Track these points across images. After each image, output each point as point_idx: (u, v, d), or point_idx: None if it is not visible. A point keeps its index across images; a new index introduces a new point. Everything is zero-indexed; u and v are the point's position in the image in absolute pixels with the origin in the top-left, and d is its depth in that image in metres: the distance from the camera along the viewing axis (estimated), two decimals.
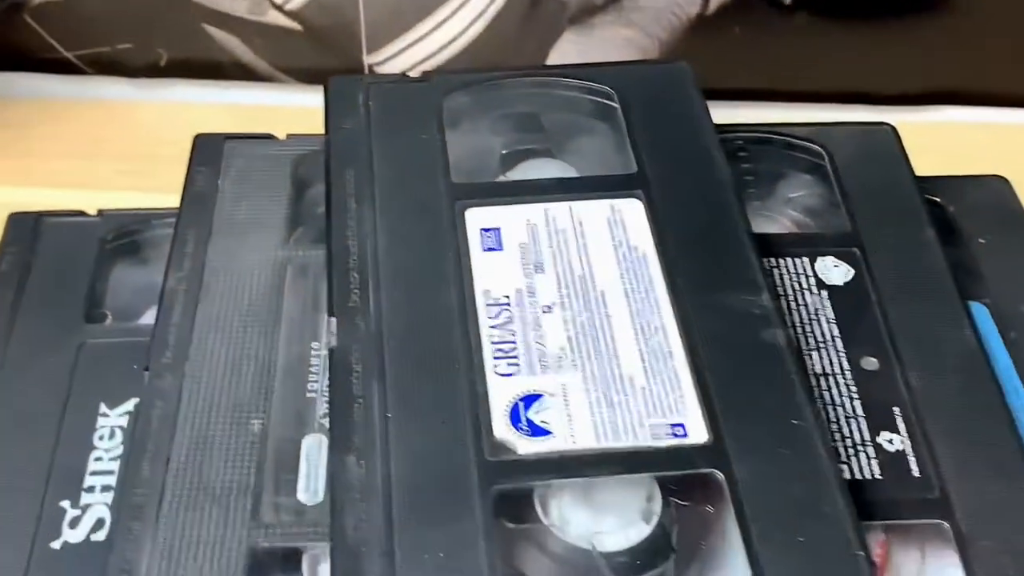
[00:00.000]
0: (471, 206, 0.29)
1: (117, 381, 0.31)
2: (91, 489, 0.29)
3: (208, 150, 0.34)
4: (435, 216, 0.28)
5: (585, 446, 0.24)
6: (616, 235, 0.28)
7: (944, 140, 0.40)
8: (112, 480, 0.29)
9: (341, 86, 0.32)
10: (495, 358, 0.26)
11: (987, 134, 0.42)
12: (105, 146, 0.40)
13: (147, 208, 0.35)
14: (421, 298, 0.27)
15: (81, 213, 0.35)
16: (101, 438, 0.30)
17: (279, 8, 0.41)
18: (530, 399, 0.25)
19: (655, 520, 0.24)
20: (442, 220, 0.28)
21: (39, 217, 0.35)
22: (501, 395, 0.25)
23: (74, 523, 0.28)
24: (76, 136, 0.41)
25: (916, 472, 0.27)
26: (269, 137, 0.34)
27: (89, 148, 0.40)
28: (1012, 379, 0.31)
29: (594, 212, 0.29)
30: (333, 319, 0.26)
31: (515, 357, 0.26)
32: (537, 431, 0.24)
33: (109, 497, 0.28)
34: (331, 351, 0.26)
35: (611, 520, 0.24)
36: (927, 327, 0.29)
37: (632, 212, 0.29)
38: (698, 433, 0.24)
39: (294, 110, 0.42)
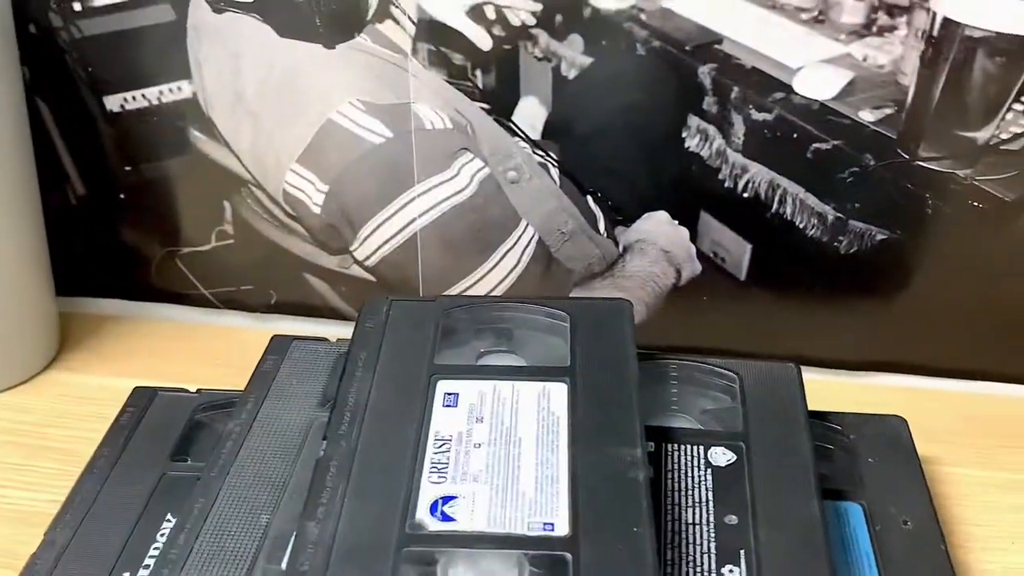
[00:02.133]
0: (442, 379, 0.40)
1: (181, 501, 0.42)
2: (147, 567, 0.39)
3: (280, 345, 0.46)
4: (415, 383, 0.39)
5: (477, 529, 0.33)
6: (541, 404, 0.38)
7: (869, 397, 0.49)
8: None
9: (373, 301, 0.44)
10: (430, 472, 0.36)
11: (908, 395, 0.51)
12: (221, 358, 0.53)
13: (231, 390, 0.47)
14: (390, 432, 0.37)
15: (185, 390, 0.48)
16: (162, 535, 0.40)
17: (360, 264, 0.55)
18: (447, 499, 0.35)
19: None
20: (419, 386, 0.39)
21: (155, 391, 0.48)
22: (428, 495, 0.35)
23: None
24: (203, 351, 0.54)
25: None
26: (323, 340, 0.46)
27: (209, 358, 0.53)
28: (868, 554, 0.39)
29: (530, 389, 0.39)
30: (325, 441, 0.37)
31: (445, 472, 0.36)
32: (446, 518, 0.34)
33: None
34: (317, 460, 0.36)
35: None
36: (783, 500, 0.38)
37: (557, 391, 0.39)
38: (562, 529, 0.33)
39: None
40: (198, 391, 0.48)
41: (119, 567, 0.39)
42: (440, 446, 0.37)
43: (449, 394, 0.39)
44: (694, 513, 0.38)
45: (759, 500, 0.38)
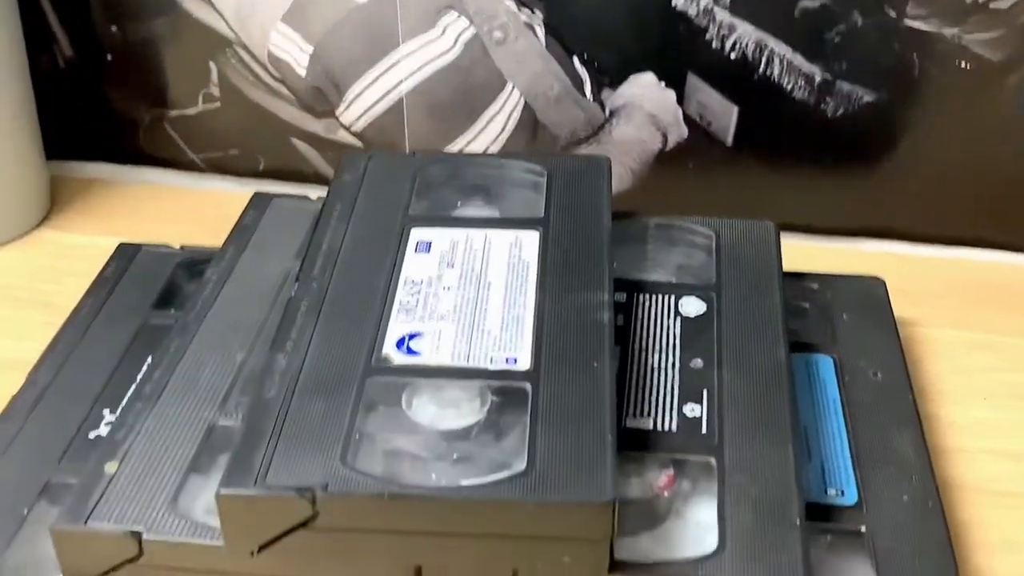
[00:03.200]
0: (415, 227, 0.40)
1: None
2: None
3: (260, 201, 0.46)
4: (389, 231, 0.40)
5: (441, 363, 0.34)
6: (513, 252, 0.39)
7: (853, 262, 0.49)
8: None
9: (352, 155, 0.44)
10: (399, 312, 0.36)
11: (891, 260, 0.51)
12: (207, 220, 0.53)
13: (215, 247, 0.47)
14: (361, 275, 0.38)
15: (168, 247, 0.48)
16: (142, 373, 0.41)
17: (347, 128, 0.54)
18: (413, 335, 0.35)
19: (481, 416, 0.33)
20: (393, 234, 0.40)
21: (139, 247, 0.48)
22: (395, 331, 0.35)
23: (108, 423, 0.39)
24: (189, 213, 0.55)
25: (704, 430, 0.35)
26: (304, 197, 0.47)
27: (195, 220, 0.54)
28: (836, 403, 0.39)
29: (503, 238, 0.39)
30: (296, 283, 0.37)
31: (413, 312, 0.36)
32: (411, 352, 0.35)
33: None
34: (288, 300, 0.37)
35: (451, 412, 0.33)
36: (749, 346, 0.38)
37: (529, 240, 0.39)
38: (524, 363, 0.34)
39: None
40: (181, 248, 0.48)
41: (99, 405, 0.40)
42: (410, 288, 0.37)
43: (422, 242, 0.39)
44: (661, 358, 0.38)
45: (725, 346, 0.38)
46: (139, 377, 0.41)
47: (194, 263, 0.47)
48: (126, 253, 0.48)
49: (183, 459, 0.34)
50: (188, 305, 0.41)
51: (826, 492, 0.36)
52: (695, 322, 0.39)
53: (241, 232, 0.45)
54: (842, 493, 0.36)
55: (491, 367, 0.34)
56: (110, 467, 0.34)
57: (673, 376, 0.37)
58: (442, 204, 0.43)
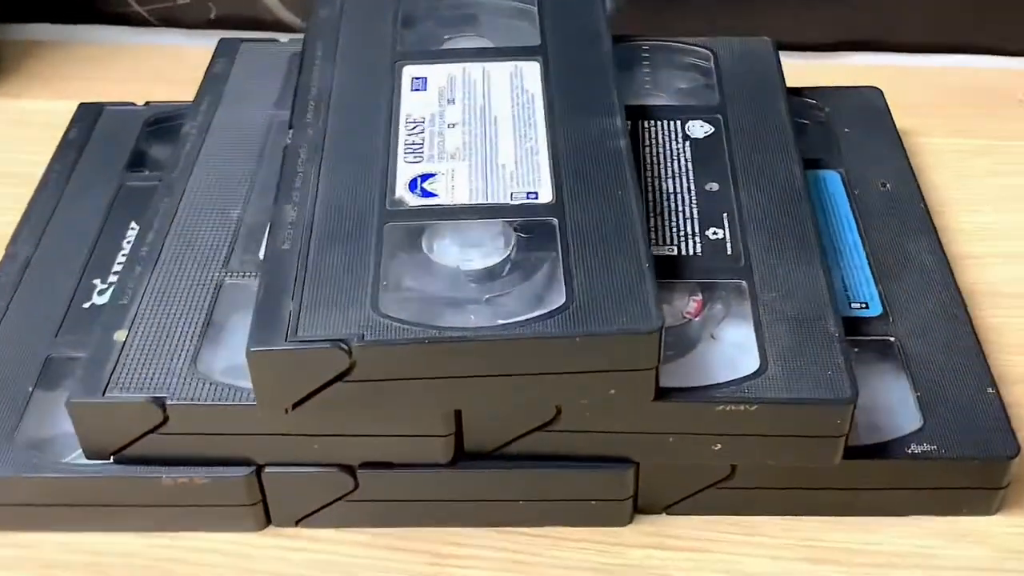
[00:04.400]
0: (408, 64, 0.38)
1: (144, 208, 0.40)
2: (117, 272, 0.38)
3: (228, 47, 0.43)
4: (380, 70, 0.38)
5: (459, 202, 0.32)
6: (515, 84, 0.37)
7: (846, 76, 0.48)
8: None
9: None
10: (405, 153, 0.34)
11: (885, 72, 0.50)
12: (164, 75, 0.50)
13: (180, 101, 0.45)
14: (359, 118, 0.36)
15: (132, 104, 0.45)
16: (128, 242, 0.39)
17: None
18: (426, 176, 0.34)
19: (507, 253, 0.32)
20: (384, 72, 0.37)
21: (102, 106, 0.45)
22: (405, 173, 0.34)
23: (101, 292, 0.37)
24: (144, 69, 0.52)
25: (730, 252, 0.34)
26: (273, 40, 0.44)
27: (151, 76, 0.51)
28: (848, 217, 0.39)
29: (501, 69, 0.37)
30: (291, 129, 0.35)
31: (421, 152, 0.34)
32: (426, 194, 0.33)
33: None
34: (285, 147, 0.35)
35: (475, 252, 0.32)
36: (763, 165, 0.37)
37: (530, 70, 0.37)
38: (545, 196, 0.33)
39: None
40: (146, 104, 0.45)
41: (88, 274, 0.38)
42: (413, 128, 0.35)
43: (417, 78, 0.37)
44: (674, 183, 0.37)
45: (739, 167, 0.37)
46: (126, 242, 0.39)
47: (162, 120, 0.45)
48: (89, 113, 0.45)
49: (195, 321, 0.33)
50: (170, 163, 0.39)
51: (850, 306, 0.36)
52: (704, 144, 0.38)
53: (214, 81, 0.42)
54: (866, 306, 0.36)
55: (512, 203, 0.33)
56: (120, 335, 0.32)
57: (690, 201, 0.36)
58: (430, 38, 0.40)
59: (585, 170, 0.33)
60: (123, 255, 0.39)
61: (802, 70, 0.48)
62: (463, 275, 0.32)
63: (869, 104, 0.44)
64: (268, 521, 0.33)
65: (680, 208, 0.36)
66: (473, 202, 0.33)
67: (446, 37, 0.40)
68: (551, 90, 0.36)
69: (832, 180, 0.41)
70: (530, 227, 0.32)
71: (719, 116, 0.39)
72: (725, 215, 0.35)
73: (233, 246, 0.35)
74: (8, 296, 0.37)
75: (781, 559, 0.32)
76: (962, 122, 0.47)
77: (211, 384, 0.31)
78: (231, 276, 0.34)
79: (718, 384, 0.31)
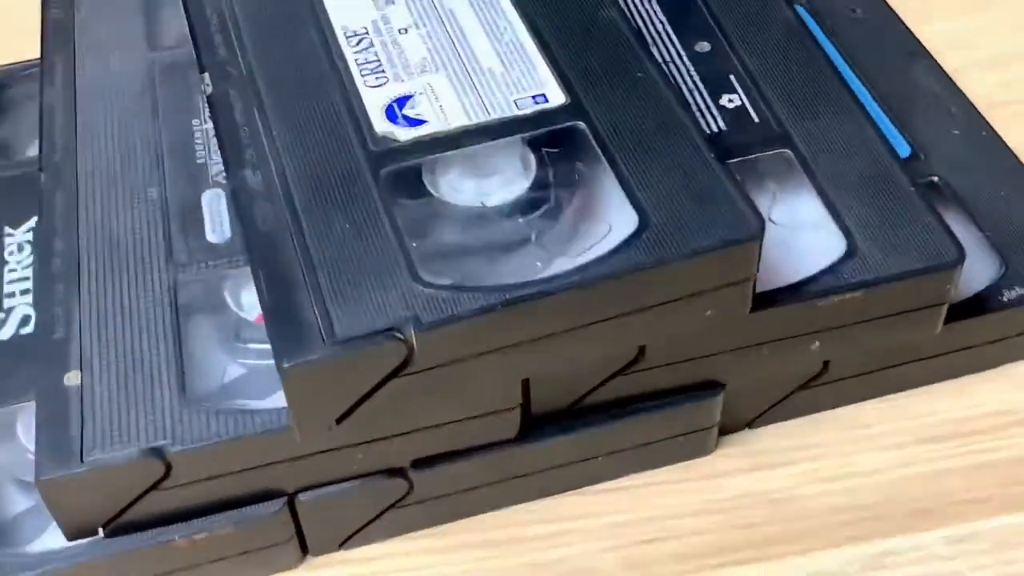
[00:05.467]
0: None
1: (14, 206, 0.32)
2: (11, 295, 0.30)
3: None
4: None
5: (458, 124, 0.27)
6: None
7: None
8: (29, 284, 0.30)
9: None
10: (363, 75, 0.28)
11: None
12: None
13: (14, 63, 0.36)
14: (284, 40, 0.29)
15: None
16: (11, 253, 0.31)
17: None
18: (402, 100, 0.27)
19: (532, 176, 0.26)
20: None
21: None
22: (375, 101, 0.27)
23: (0, 324, 0.30)
24: None
25: (756, 119, 0.30)
26: None
27: None
28: (834, 55, 0.35)
29: None
30: (206, 73, 0.28)
31: (381, 71, 0.28)
32: (413, 122, 0.27)
33: (29, 298, 0.30)
34: (208, 98, 0.28)
35: (494, 182, 0.26)
36: (746, 12, 0.33)
37: None
38: (557, 98, 0.27)
39: None
40: None
41: None
42: (357, 43, 0.29)
43: None
44: (662, 51, 0.32)
45: (721, 19, 0.32)
46: (8, 255, 0.31)
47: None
48: None
49: (161, 337, 0.26)
50: (42, 143, 0.30)
51: None
52: (675, 1, 0.33)
53: (57, 33, 0.34)
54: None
55: (521, 113, 0.27)
56: (71, 377, 0.25)
57: (687, 67, 0.31)
58: None
59: (587, 55, 0.28)
60: (10, 271, 0.31)
61: None
62: (497, 214, 0.26)
63: None
64: (305, 552, 0.27)
65: (679, 78, 0.31)
66: (474, 121, 0.27)
67: None
68: None
69: (799, 15, 0.36)
70: (553, 136, 0.27)
71: None
72: (732, 77, 0.31)
73: (169, 234, 0.28)
74: None
75: (892, 448, 0.29)
76: None
77: (214, 414, 0.24)
78: (183, 271, 0.27)
79: (812, 276, 0.26)
